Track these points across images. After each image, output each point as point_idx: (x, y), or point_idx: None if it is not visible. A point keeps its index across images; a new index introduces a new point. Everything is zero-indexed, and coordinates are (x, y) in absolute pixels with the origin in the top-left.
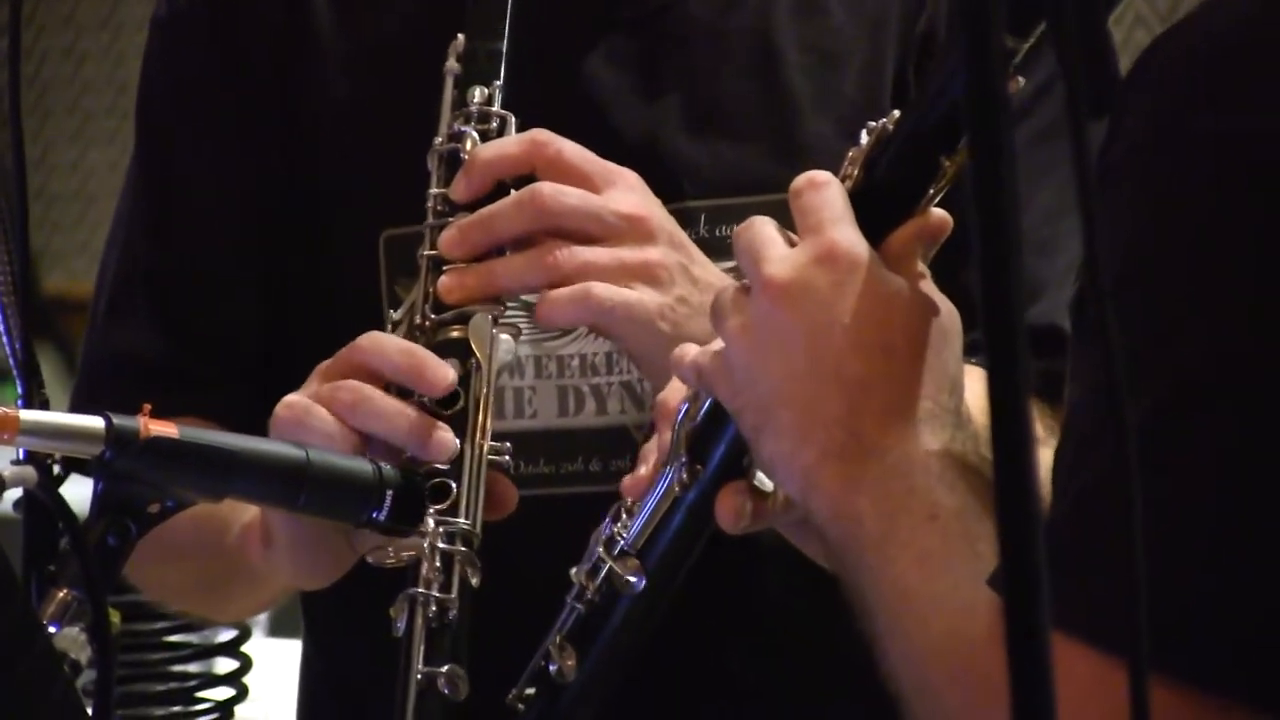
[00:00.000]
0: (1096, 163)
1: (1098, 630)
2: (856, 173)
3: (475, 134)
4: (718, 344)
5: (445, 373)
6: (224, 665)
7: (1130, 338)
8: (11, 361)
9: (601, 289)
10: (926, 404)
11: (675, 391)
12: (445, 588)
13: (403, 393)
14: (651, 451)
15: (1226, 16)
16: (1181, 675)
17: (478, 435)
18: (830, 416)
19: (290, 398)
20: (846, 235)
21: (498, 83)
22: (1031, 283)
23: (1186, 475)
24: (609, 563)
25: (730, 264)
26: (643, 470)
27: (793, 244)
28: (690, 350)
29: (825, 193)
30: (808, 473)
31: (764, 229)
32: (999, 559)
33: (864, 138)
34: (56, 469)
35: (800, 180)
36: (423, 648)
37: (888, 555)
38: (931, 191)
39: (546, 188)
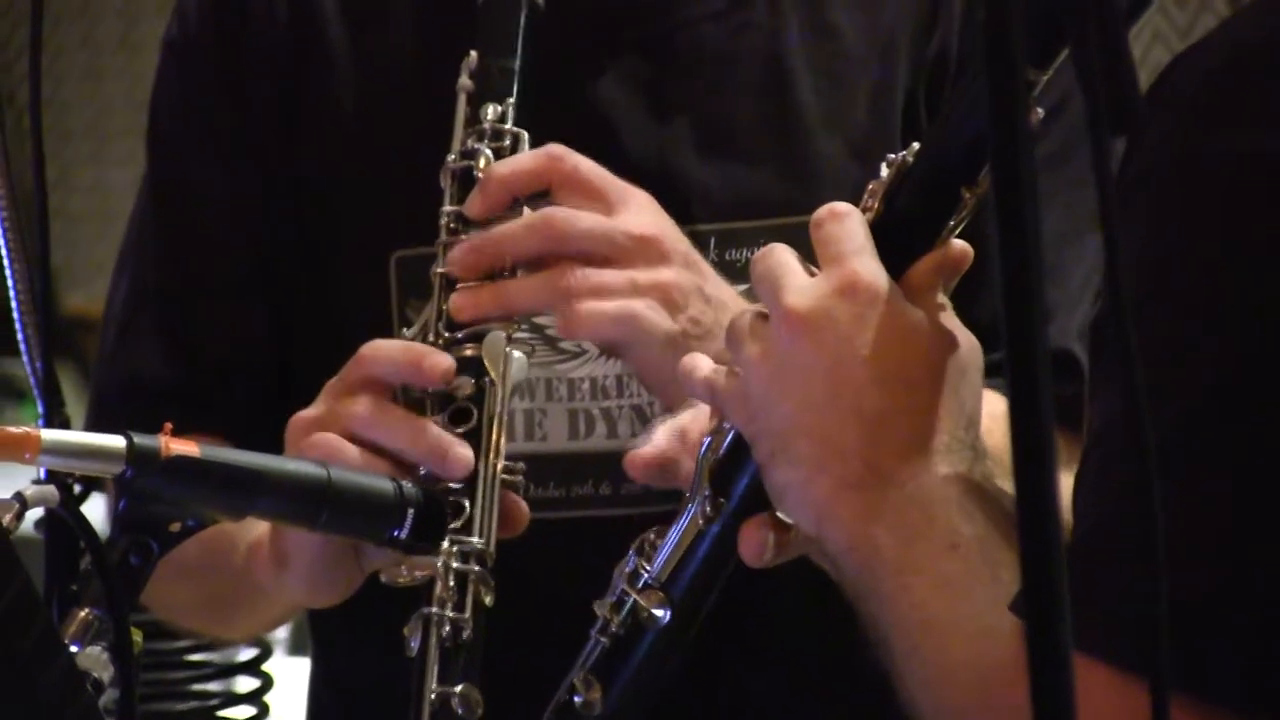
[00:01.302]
0: (1116, 184)
1: (1118, 650)
2: (877, 204)
3: (489, 151)
4: (734, 365)
5: (443, 359)
6: (245, 684)
7: (1151, 356)
8: (32, 380)
9: (643, 307)
10: (944, 437)
11: (695, 419)
12: (459, 607)
13: (416, 408)
14: (660, 426)
15: (1244, 35)
16: (1203, 694)
17: (491, 454)
18: (848, 448)
19: (303, 417)
20: (868, 267)
21: (511, 100)
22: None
23: (1208, 493)
24: (633, 596)
25: (742, 287)
26: (646, 451)
27: (811, 273)
28: (703, 365)
29: (847, 223)
30: (823, 503)
31: (783, 256)
32: (1021, 582)
33: (884, 169)
34: (77, 488)
35: (822, 211)
36: (437, 667)
37: (906, 583)
38: (952, 224)
39: (559, 212)
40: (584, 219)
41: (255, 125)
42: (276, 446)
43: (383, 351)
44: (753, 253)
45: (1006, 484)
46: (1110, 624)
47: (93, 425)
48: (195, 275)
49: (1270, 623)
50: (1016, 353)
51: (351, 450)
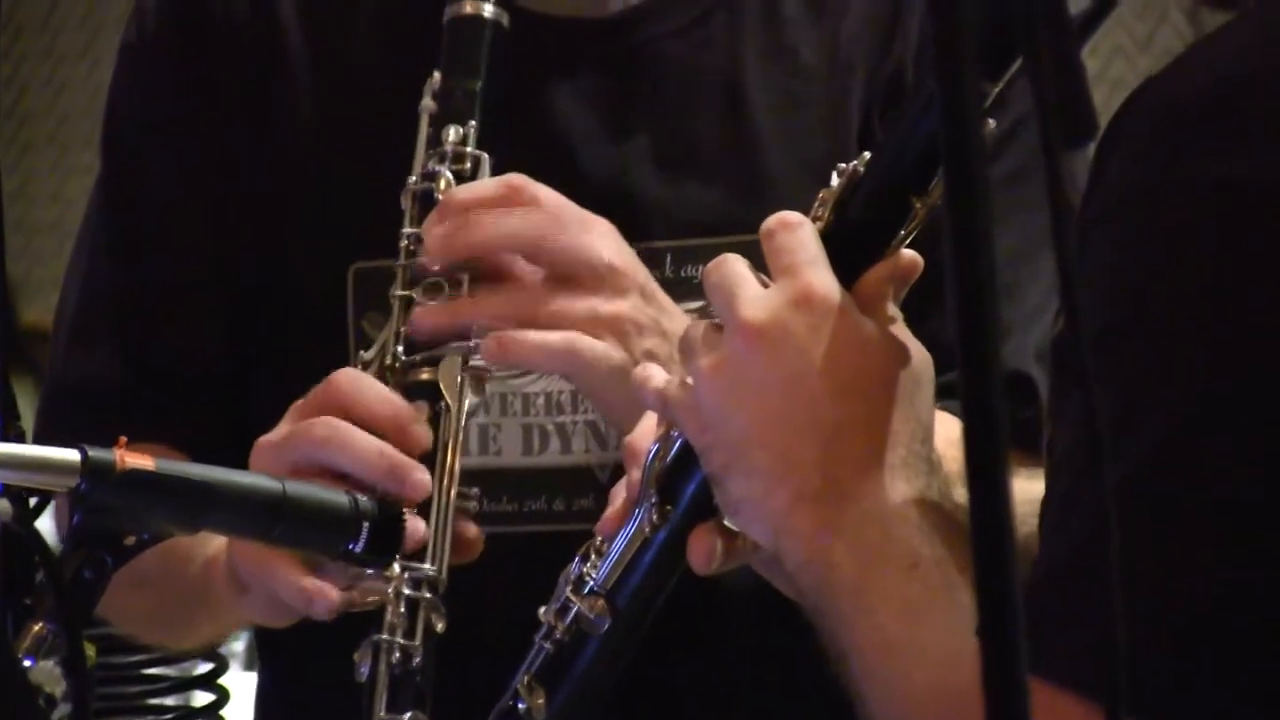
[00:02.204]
0: (1081, 207)
1: (1083, 679)
2: (827, 214)
3: (449, 174)
4: (687, 376)
5: (425, 435)
6: (201, 698)
7: (1125, 382)
8: None
9: (585, 341)
10: (900, 451)
11: (645, 435)
12: (409, 634)
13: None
14: (621, 492)
15: (1222, 63)
16: None
17: (446, 479)
18: (806, 460)
19: (267, 441)
20: (822, 278)
21: (473, 123)
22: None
23: (1182, 522)
24: (577, 603)
25: (695, 304)
26: (613, 510)
27: (764, 284)
28: (656, 375)
29: (799, 234)
30: (780, 515)
31: (736, 267)
32: (976, 607)
33: (834, 179)
34: (32, 501)
35: (772, 221)
36: (385, 695)
37: (867, 605)
38: (903, 233)
39: (548, 219)
40: (570, 232)
41: (214, 131)
42: (232, 454)
43: (364, 396)
44: None
45: (960, 498)
46: (1079, 653)
47: (43, 431)
48: (149, 281)
49: (1242, 654)
50: (971, 374)
51: (360, 435)
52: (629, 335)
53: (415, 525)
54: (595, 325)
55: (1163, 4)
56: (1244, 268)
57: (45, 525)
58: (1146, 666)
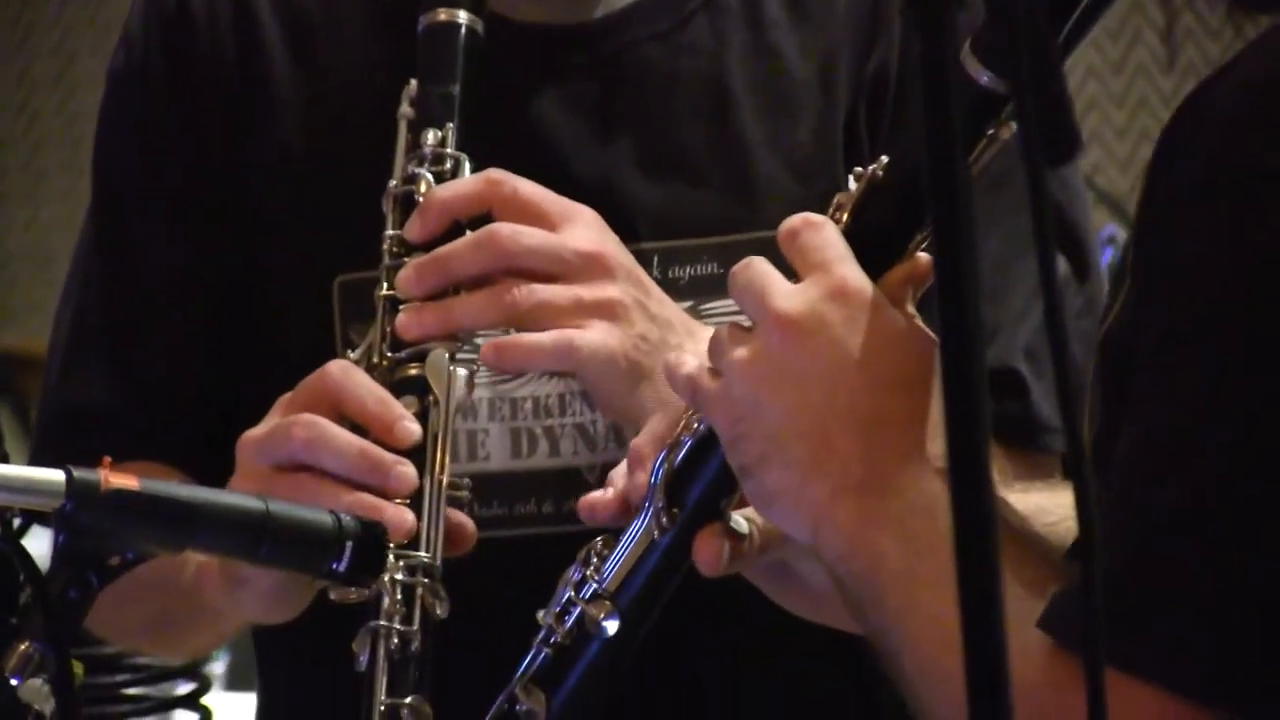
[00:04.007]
0: (1137, 215)
1: (1185, 676)
2: (846, 217)
3: (430, 176)
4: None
5: (414, 430)
6: (183, 718)
7: (1203, 379)
8: None
9: (580, 335)
10: (939, 442)
11: (651, 437)
12: (407, 620)
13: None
14: (619, 476)
15: (1271, 58)
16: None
17: (437, 470)
18: (847, 451)
19: (252, 436)
20: (854, 273)
21: (451, 125)
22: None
23: (1256, 527)
24: (580, 605)
25: (685, 305)
26: (606, 494)
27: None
28: (688, 362)
29: (825, 232)
30: (820, 506)
31: (764, 267)
32: (958, 598)
33: (852, 182)
34: (17, 521)
35: (795, 220)
36: (385, 679)
37: (918, 599)
38: (919, 237)
39: (505, 229)
40: (529, 235)
41: (202, 154)
42: (222, 473)
43: (355, 388)
44: (695, 271)
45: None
46: (1172, 649)
47: (36, 455)
48: (139, 305)
49: None
50: (953, 367)
51: (341, 435)
52: (619, 318)
53: (403, 515)
54: (582, 312)
55: (1136, 25)
56: None
57: (33, 545)
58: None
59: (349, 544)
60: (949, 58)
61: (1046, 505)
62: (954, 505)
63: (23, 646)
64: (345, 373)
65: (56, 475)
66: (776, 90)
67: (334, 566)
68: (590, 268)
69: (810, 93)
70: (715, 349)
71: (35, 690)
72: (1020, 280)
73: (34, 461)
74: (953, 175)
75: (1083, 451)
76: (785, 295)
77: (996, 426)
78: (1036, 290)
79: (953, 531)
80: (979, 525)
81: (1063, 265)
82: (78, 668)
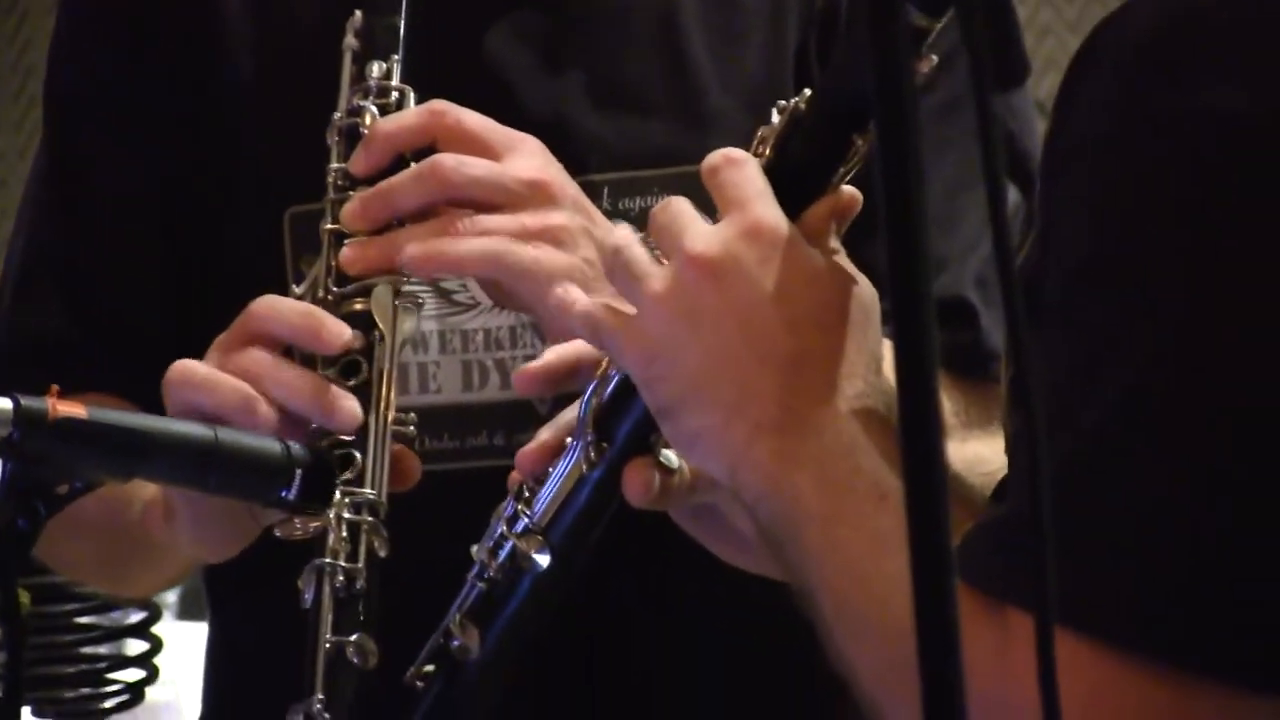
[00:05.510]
0: (1044, 152)
1: (1076, 613)
2: (769, 151)
3: (374, 108)
4: (617, 301)
5: (341, 330)
6: (134, 647)
7: (1101, 321)
8: None
9: (511, 247)
10: (858, 382)
11: (570, 346)
12: (352, 557)
13: (305, 363)
14: (546, 430)
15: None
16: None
17: (382, 405)
18: (764, 392)
19: (185, 363)
20: (770, 211)
21: (396, 57)
22: (935, 256)
23: (1157, 464)
24: (512, 540)
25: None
26: (540, 440)
27: (711, 223)
28: (579, 296)
29: (745, 169)
30: (739, 448)
31: (682, 206)
32: (908, 529)
33: (775, 116)
34: None
35: (716, 156)
36: (330, 617)
37: (836, 537)
38: (843, 170)
39: (448, 159)
40: (472, 165)
41: (155, 88)
42: None
43: (279, 311)
44: (646, 202)
45: None
46: (1098, 596)
47: None
48: (91, 237)
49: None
50: (901, 300)
51: (282, 366)
52: (564, 244)
53: (348, 405)
54: (527, 239)
55: None
56: (1224, 201)
57: None
58: (1146, 606)
59: (298, 471)
60: None
61: (984, 454)
62: (902, 438)
63: None
64: (269, 303)
65: (4, 403)
66: (727, 21)
67: (283, 494)
68: (535, 196)
69: (760, 24)
70: (624, 274)
71: None
72: (971, 209)
73: None
74: (899, 99)
75: (1029, 384)
76: (700, 236)
77: (946, 355)
78: (987, 219)
79: (901, 466)
80: (927, 458)
81: (1013, 194)
82: (24, 596)
